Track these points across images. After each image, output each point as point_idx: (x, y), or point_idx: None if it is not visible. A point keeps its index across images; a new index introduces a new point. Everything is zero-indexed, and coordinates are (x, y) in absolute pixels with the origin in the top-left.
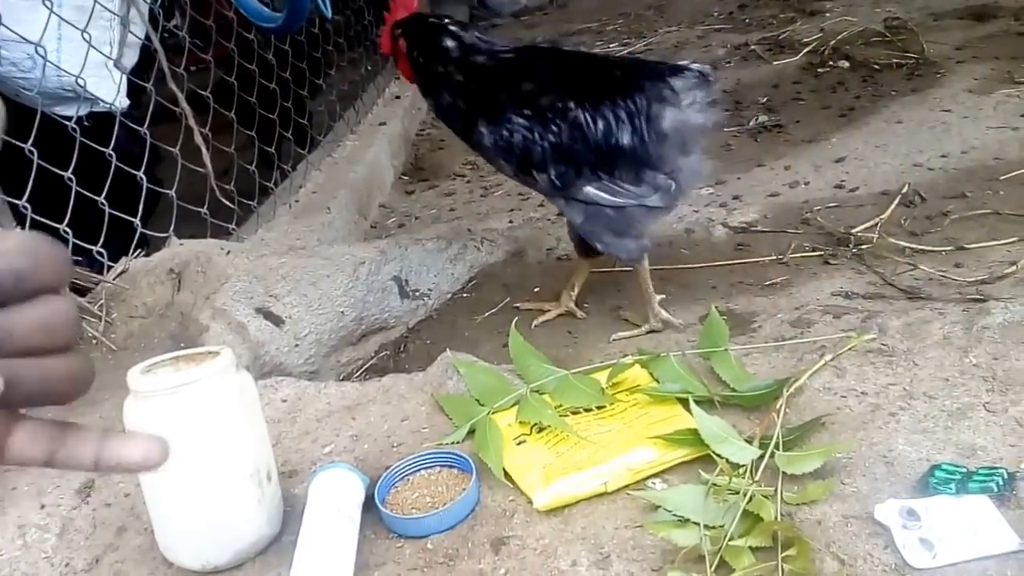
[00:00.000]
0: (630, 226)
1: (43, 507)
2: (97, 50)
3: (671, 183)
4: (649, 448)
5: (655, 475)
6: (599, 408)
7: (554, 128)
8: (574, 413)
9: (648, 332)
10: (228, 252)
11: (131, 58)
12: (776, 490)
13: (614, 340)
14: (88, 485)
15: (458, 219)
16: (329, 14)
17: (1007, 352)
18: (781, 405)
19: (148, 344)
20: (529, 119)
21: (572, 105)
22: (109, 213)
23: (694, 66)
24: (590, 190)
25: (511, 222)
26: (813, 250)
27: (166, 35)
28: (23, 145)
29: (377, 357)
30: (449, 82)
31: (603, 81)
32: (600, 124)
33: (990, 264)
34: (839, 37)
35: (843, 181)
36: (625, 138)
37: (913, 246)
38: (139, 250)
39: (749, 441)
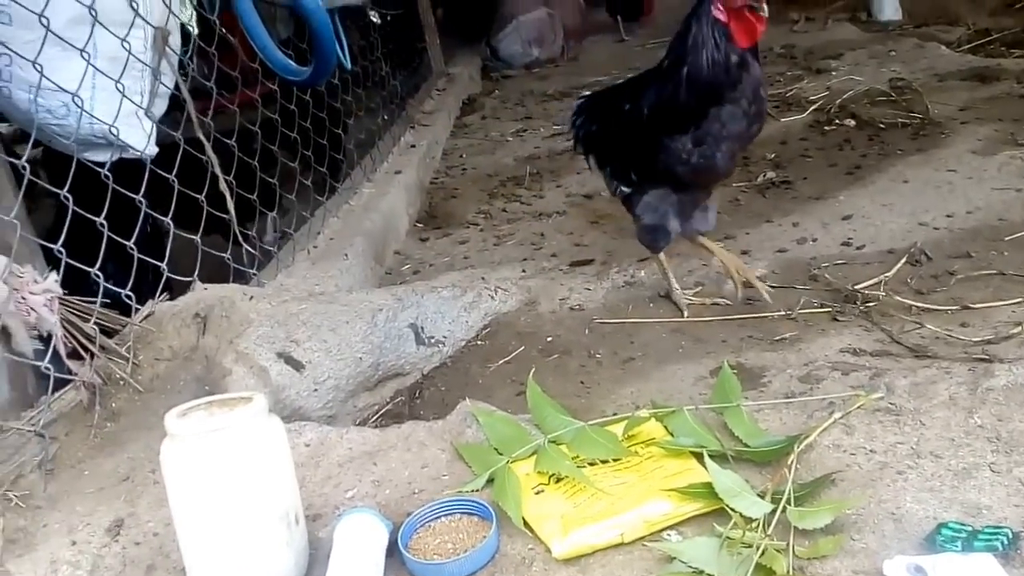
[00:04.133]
0: None
1: (74, 544)
2: (129, 100)
3: None
4: (664, 500)
5: (670, 527)
6: (615, 460)
7: None
8: (591, 464)
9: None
10: (251, 297)
11: (160, 107)
12: (788, 544)
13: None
14: (118, 523)
15: (471, 267)
16: (348, 65)
17: (1011, 414)
18: (792, 461)
19: (174, 386)
20: None
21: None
22: (133, 257)
23: None
24: None
25: (524, 271)
26: (821, 306)
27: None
28: (58, 191)
29: (392, 403)
30: None
31: None
32: None
33: (995, 324)
34: (845, 96)
35: (850, 238)
36: None
37: (919, 304)
38: (164, 293)
39: (762, 496)
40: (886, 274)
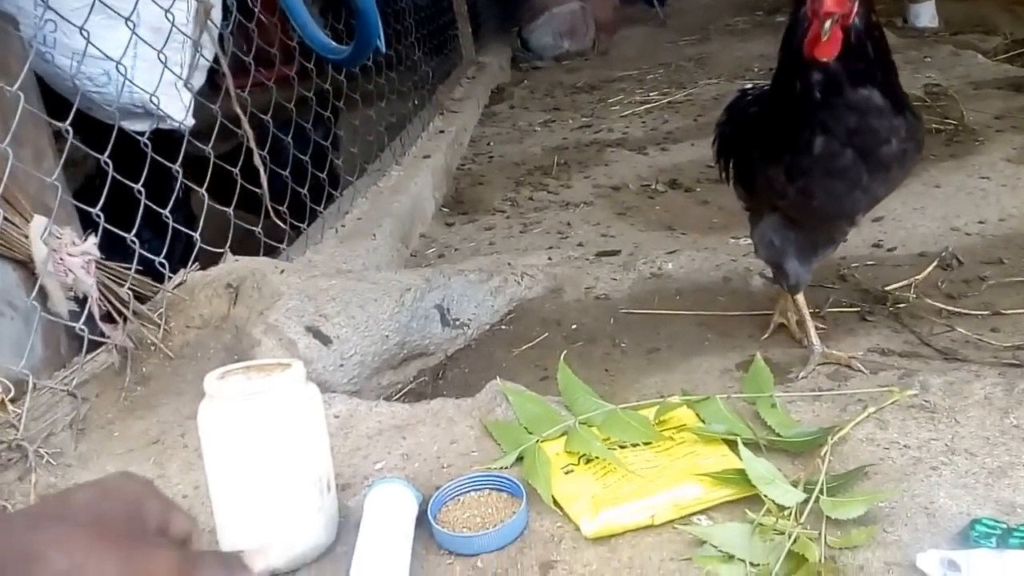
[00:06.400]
0: None
1: None
2: (170, 70)
3: None
4: (696, 485)
5: (700, 512)
6: (645, 444)
7: None
8: (620, 447)
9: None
10: (282, 271)
11: (199, 79)
12: (820, 533)
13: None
14: None
15: (497, 253)
16: (383, 48)
17: None
18: (826, 452)
19: (204, 354)
20: None
21: None
22: (165, 225)
23: None
24: None
25: (550, 259)
26: (850, 306)
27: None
28: (99, 156)
29: (416, 382)
30: None
31: None
32: None
33: None
34: None
35: (881, 240)
36: None
37: (950, 308)
38: (195, 263)
39: (794, 485)
40: (916, 277)
